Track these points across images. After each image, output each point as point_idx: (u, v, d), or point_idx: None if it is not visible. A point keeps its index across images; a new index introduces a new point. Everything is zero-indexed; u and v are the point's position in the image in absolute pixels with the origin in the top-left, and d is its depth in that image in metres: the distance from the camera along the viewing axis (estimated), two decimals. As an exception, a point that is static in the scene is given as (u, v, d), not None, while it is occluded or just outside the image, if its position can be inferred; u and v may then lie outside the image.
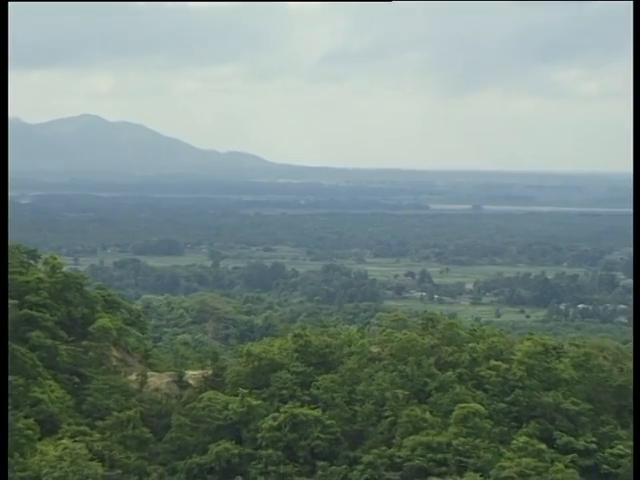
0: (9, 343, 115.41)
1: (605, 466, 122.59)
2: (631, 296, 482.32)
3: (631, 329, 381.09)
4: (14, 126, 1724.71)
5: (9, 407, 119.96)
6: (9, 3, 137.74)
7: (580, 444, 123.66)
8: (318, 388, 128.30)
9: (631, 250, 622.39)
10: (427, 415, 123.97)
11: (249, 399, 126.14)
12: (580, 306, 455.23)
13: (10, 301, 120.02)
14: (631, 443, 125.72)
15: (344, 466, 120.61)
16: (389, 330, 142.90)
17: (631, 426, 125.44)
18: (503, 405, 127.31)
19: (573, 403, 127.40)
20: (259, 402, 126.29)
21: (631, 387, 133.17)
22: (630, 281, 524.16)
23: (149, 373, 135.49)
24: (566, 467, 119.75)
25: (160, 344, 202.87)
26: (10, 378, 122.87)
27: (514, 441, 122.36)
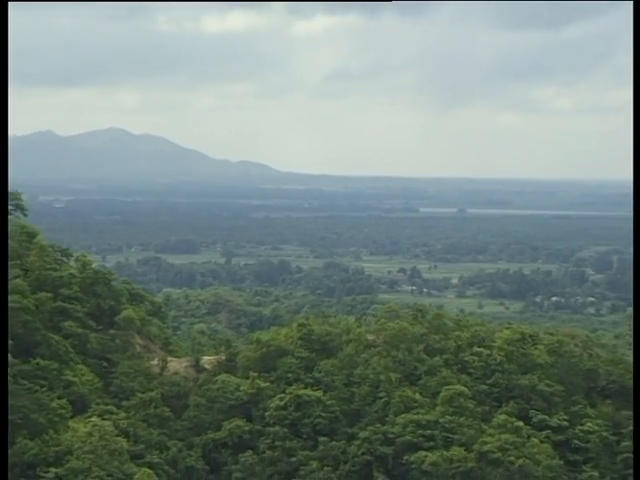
0: (8, 342, 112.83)
1: (576, 441, 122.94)
2: (599, 290, 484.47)
3: (599, 319, 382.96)
4: (48, 138, 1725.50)
5: (43, 389, 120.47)
6: (9, 3, 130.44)
7: (553, 422, 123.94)
8: (320, 372, 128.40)
9: (599, 248, 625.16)
10: (417, 396, 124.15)
11: (258, 381, 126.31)
12: (553, 299, 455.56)
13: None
14: (599, 421, 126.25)
15: (343, 441, 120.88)
16: (383, 320, 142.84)
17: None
18: (485, 387, 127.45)
19: (547, 385, 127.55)
20: (267, 384, 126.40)
21: (600, 370, 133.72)
22: (599, 276, 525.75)
23: (169, 358, 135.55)
24: (541, 442, 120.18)
25: (179, 332, 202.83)
26: (45, 363, 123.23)
27: (494, 419, 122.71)
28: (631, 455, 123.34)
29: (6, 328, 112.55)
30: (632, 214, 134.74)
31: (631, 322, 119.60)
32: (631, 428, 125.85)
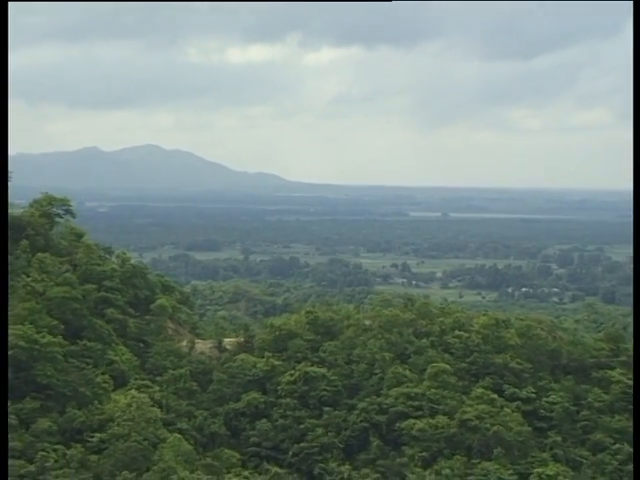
0: (8, 342, 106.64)
1: (542, 411, 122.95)
2: (562, 282, 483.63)
3: (562, 307, 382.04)
4: (94, 153, 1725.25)
5: (89, 366, 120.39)
6: (9, 3, 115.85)
7: (523, 394, 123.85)
8: (324, 352, 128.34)
9: (562, 247, 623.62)
10: (407, 372, 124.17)
11: (272, 360, 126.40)
12: (523, 289, 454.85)
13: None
14: (562, 394, 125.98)
15: (344, 411, 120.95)
16: (378, 308, 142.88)
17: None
18: (464, 365, 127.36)
19: (517, 363, 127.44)
20: (279, 362, 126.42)
21: (562, 350, 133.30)
22: (561, 270, 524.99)
23: (196, 340, 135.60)
24: (512, 412, 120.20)
25: (204, 318, 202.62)
26: (91, 344, 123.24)
27: (473, 392, 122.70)
28: (589, 423, 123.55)
29: (6, 330, 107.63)
30: (632, 214, 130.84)
31: (631, 320, 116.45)
32: (589, 399, 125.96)
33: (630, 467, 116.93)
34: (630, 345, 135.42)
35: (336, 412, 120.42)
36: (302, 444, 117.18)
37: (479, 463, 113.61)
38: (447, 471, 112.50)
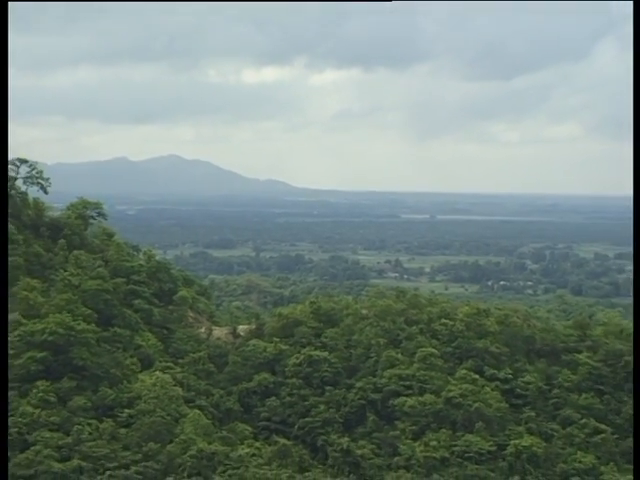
0: (8, 342, 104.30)
1: (518, 390, 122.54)
2: (535, 276, 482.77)
3: (535, 298, 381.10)
4: (123, 163, 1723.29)
5: (119, 350, 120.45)
6: (9, 3, 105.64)
7: (501, 375, 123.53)
8: (326, 337, 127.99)
9: (535, 245, 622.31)
10: (399, 355, 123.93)
11: (280, 345, 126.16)
12: (501, 283, 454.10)
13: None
14: (535, 374, 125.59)
15: (343, 390, 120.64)
16: (373, 299, 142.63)
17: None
18: (450, 349, 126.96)
19: (496, 347, 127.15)
20: (287, 347, 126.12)
21: (536, 336, 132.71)
22: (535, 266, 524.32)
23: (213, 327, 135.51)
24: (492, 390, 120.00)
25: (220, 308, 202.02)
26: (121, 331, 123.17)
27: (457, 373, 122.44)
28: (560, 400, 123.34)
29: (6, 329, 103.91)
30: (632, 215, 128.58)
31: (631, 318, 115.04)
32: (559, 379, 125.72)
33: (596, 439, 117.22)
34: (595, 331, 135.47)
35: (336, 391, 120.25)
36: (306, 419, 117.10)
37: (462, 436, 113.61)
38: (434, 443, 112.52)
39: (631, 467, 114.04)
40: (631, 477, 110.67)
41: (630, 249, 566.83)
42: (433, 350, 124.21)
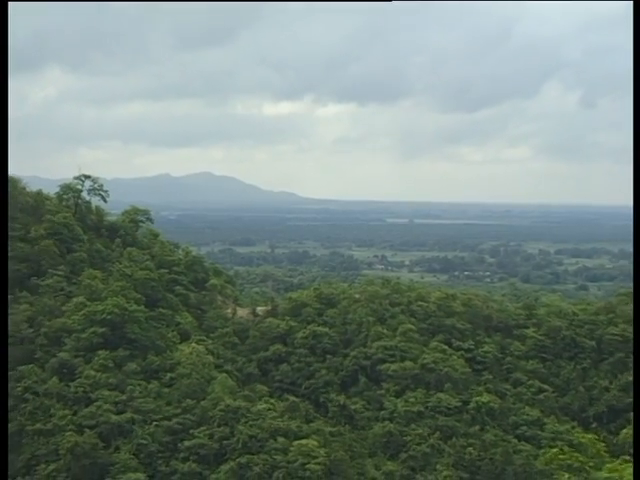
0: (8, 341, 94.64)
1: (479, 357, 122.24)
2: (492, 268, 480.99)
3: (492, 285, 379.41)
4: (165, 178, 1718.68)
5: (163, 326, 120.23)
6: (9, 3, 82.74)
7: (465, 346, 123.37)
8: (327, 316, 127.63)
9: (492, 243, 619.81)
10: (384, 331, 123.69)
11: (290, 322, 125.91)
12: (465, 273, 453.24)
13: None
14: (492, 345, 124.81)
15: (340, 358, 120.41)
16: (364, 285, 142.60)
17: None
18: (424, 325, 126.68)
19: (461, 324, 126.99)
20: (295, 324, 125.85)
21: (493, 315, 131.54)
22: (492, 259, 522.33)
23: (237, 308, 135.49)
24: (458, 358, 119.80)
25: (243, 293, 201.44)
26: (164, 311, 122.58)
27: (430, 344, 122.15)
28: (511, 366, 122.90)
29: (6, 328, 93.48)
30: (632, 215, 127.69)
31: (631, 316, 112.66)
32: (511, 349, 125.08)
33: (540, 396, 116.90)
34: (540, 312, 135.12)
35: (335, 358, 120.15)
36: (311, 381, 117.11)
37: (435, 394, 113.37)
38: (412, 399, 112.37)
39: (568, 419, 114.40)
40: (568, 427, 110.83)
41: (569, 246, 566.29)
42: (411, 326, 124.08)
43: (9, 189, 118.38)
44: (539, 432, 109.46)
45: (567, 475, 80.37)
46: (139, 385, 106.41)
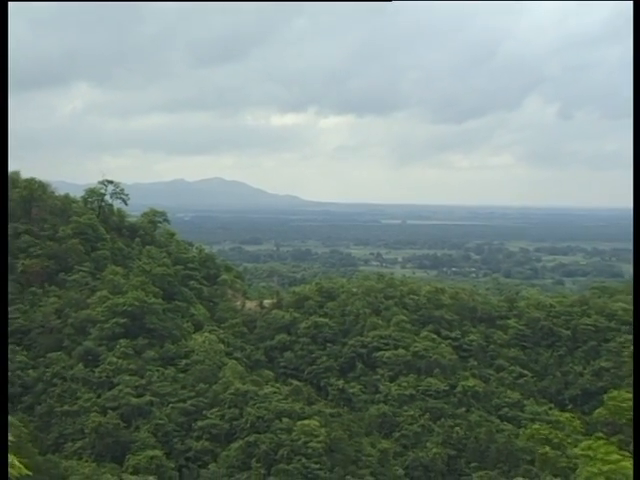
0: (8, 341, 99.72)
1: (465, 345, 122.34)
2: (477, 264, 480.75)
3: (477, 280, 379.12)
4: (181, 183, 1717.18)
5: (179, 317, 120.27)
6: (9, 3, 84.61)
7: (453, 335, 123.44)
8: (327, 308, 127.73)
9: (478, 241, 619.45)
10: (379, 321, 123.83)
11: (294, 314, 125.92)
12: (453, 269, 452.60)
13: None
14: (477, 334, 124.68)
15: (339, 346, 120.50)
16: (361, 280, 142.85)
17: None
18: (416, 316, 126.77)
19: (449, 315, 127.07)
20: (299, 315, 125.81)
21: (478, 307, 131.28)
22: (477, 257, 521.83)
23: (246, 301, 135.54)
24: (446, 346, 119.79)
25: (251, 287, 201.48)
26: (180, 303, 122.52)
27: (421, 333, 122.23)
28: (494, 353, 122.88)
29: (6, 327, 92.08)
30: (632, 215, 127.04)
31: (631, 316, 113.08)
32: (495, 338, 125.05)
33: (521, 381, 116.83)
34: (520, 304, 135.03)
35: (334, 347, 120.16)
36: (313, 367, 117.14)
37: (425, 379, 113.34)
38: (405, 384, 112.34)
39: (546, 401, 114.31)
40: (546, 408, 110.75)
41: (547, 245, 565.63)
42: (404, 317, 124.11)
43: (29, 192, 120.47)
44: (519, 413, 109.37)
45: (547, 447, 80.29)
46: (157, 370, 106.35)
